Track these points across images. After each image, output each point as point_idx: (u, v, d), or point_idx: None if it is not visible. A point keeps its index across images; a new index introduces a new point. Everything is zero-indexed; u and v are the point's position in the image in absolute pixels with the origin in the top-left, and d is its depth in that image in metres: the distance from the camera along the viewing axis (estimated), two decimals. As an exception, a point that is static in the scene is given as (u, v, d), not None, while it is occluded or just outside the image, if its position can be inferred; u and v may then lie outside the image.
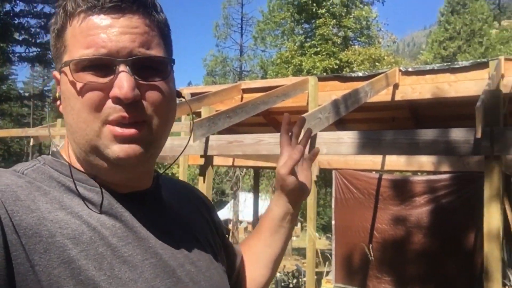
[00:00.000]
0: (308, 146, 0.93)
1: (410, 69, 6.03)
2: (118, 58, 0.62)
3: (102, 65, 0.62)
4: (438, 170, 5.87)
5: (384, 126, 7.41)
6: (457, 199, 5.64)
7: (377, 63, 15.08)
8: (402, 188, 6.05)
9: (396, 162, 6.25)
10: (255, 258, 0.96)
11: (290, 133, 0.91)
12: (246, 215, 18.04)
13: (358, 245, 6.11)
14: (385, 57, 15.76)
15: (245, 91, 6.38)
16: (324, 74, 13.44)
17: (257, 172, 10.07)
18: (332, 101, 4.02)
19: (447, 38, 29.95)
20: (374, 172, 6.58)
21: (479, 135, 2.83)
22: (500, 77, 4.68)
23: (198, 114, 5.32)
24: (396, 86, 6.04)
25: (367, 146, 3.43)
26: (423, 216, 5.81)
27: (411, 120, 7.37)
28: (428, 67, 6.00)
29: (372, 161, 6.48)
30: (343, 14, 16.20)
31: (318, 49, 15.40)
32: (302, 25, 17.48)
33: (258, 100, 4.98)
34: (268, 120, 7.47)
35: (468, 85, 5.64)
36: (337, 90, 6.65)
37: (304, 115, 3.58)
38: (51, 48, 0.69)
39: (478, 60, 5.79)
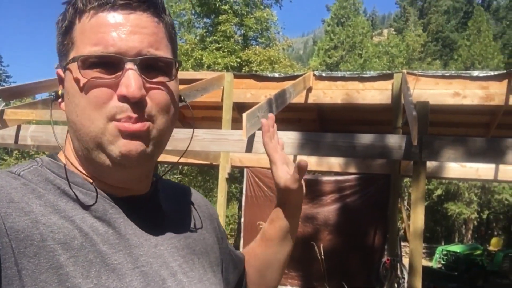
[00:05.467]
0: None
1: (323, 75, 6.34)
2: (126, 57, 0.62)
3: (110, 63, 0.62)
4: (345, 172, 6.26)
5: (290, 127, 7.69)
6: (360, 198, 6.09)
7: (275, 65, 15.59)
8: (311, 187, 6.33)
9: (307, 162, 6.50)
10: (265, 266, 0.97)
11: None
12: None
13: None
14: (282, 60, 16.38)
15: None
16: (225, 71, 13.46)
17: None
18: (266, 100, 4.04)
19: (332, 47, 32.29)
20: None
21: (415, 143, 3.06)
22: (406, 89, 5.13)
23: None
24: (309, 90, 6.29)
25: (306, 147, 3.50)
26: (329, 214, 6.15)
27: (316, 122, 7.76)
28: (339, 74, 6.37)
29: (284, 160, 6.66)
30: (245, 13, 16.43)
31: (220, 45, 15.42)
32: (203, 19, 17.35)
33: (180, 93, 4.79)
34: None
35: (374, 93, 6.11)
36: (252, 89, 6.71)
37: (245, 113, 3.52)
38: (57, 46, 0.67)
39: (384, 72, 6.31)
